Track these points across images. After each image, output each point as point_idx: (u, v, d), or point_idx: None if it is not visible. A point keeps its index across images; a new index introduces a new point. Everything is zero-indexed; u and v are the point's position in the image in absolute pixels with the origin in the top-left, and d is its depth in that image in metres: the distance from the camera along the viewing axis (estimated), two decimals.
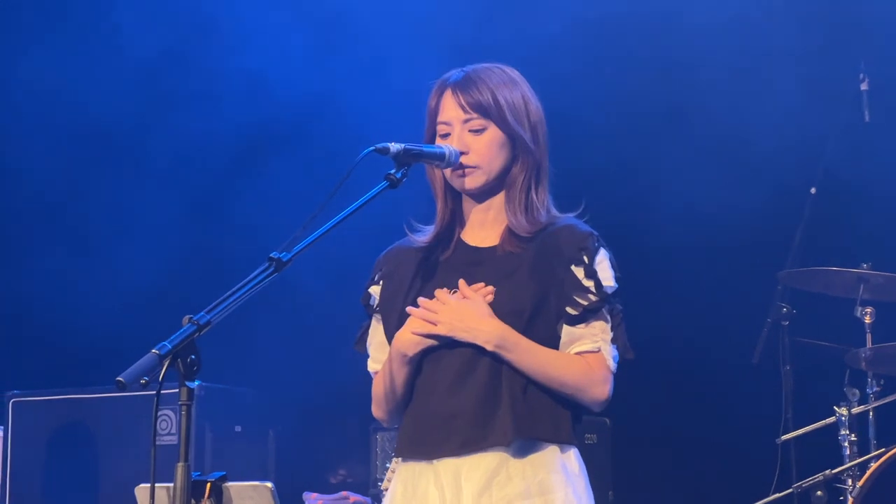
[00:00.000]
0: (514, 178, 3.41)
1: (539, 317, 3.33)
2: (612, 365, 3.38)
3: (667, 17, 6.89)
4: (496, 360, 3.30)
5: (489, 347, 3.28)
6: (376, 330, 3.51)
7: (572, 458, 3.38)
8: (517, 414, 3.28)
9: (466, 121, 3.37)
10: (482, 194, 3.43)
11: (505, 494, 3.28)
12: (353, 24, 7.11)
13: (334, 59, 7.11)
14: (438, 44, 6.69)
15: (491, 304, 3.32)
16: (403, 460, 3.43)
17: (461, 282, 3.34)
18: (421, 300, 3.35)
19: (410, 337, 3.34)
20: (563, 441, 3.35)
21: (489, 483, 3.28)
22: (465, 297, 3.32)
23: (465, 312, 3.30)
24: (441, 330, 3.30)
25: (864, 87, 6.61)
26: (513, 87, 3.41)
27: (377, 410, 3.51)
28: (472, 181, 3.39)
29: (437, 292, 3.34)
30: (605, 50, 6.97)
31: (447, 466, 3.32)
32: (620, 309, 3.41)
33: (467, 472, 3.29)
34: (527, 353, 3.29)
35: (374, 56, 7.12)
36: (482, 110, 3.37)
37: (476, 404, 3.30)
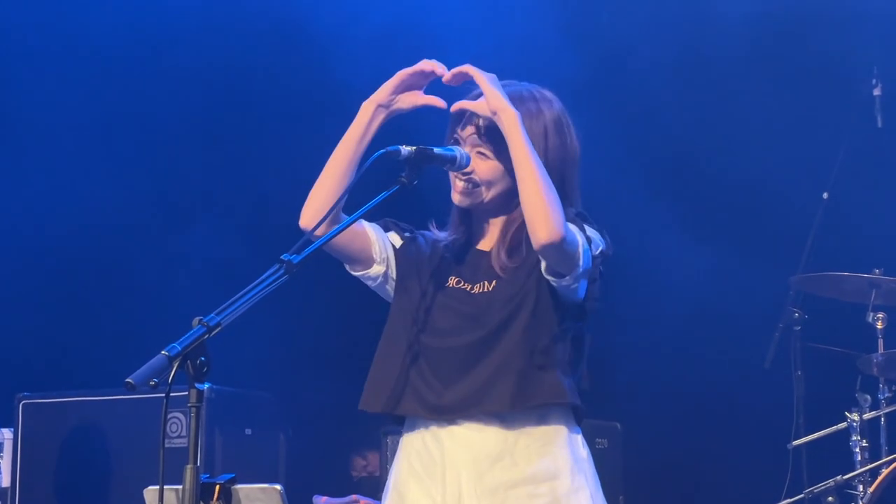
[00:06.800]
0: (515, 218, 3.41)
1: (542, 305, 3.32)
2: (581, 241, 3.28)
3: (677, 21, 6.89)
4: (494, 336, 3.31)
5: (491, 106, 3.26)
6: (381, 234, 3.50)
7: (579, 443, 3.39)
8: (518, 384, 3.28)
9: (478, 144, 3.38)
10: (483, 213, 3.45)
11: (510, 478, 3.29)
12: None
13: None
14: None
15: (493, 291, 3.34)
16: (407, 430, 3.44)
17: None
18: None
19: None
20: (563, 400, 3.32)
21: (492, 467, 3.30)
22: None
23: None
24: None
25: (876, 92, 6.61)
26: (536, 118, 3.37)
27: (311, 206, 3.40)
28: (467, 198, 3.41)
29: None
30: (609, 57, 6.96)
31: (450, 436, 3.34)
32: (601, 256, 3.37)
33: (470, 460, 3.31)
34: (523, 136, 3.24)
35: None
36: (496, 144, 3.35)
37: (477, 371, 3.30)
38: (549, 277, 3.29)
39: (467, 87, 3.41)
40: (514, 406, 3.29)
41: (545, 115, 3.38)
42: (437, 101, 3.41)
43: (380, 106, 3.40)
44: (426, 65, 3.39)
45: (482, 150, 3.37)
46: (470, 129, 3.39)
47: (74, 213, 7.32)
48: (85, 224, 7.30)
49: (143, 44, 7.20)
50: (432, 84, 3.47)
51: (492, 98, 3.28)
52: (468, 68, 3.33)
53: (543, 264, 3.28)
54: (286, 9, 6.93)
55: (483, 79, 3.30)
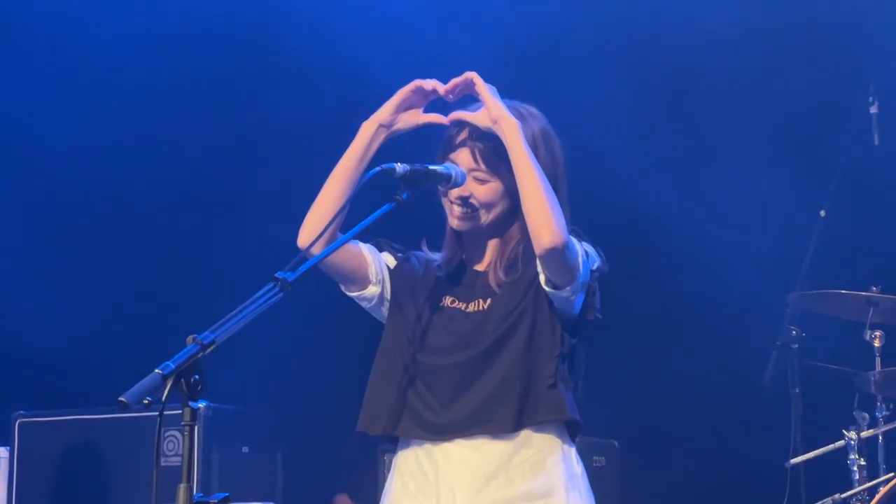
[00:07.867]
0: (511, 237, 3.44)
1: (540, 321, 3.33)
2: (581, 252, 3.32)
3: (674, 32, 6.88)
4: (491, 354, 3.31)
5: (492, 115, 3.29)
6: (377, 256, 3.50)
7: (573, 459, 3.40)
8: (521, 402, 3.28)
9: (474, 168, 3.39)
10: (478, 235, 3.45)
11: (505, 496, 3.29)
12: None
13: None
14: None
15: (488, 310, 3.36)
16: (401, 448, 3.44)
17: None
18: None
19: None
20: (564, 416, 3.33)
21: (487, 484, 3.29)
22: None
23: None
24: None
25: (873, 109, 6.60)
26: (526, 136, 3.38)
27: (308, 224, 3.41)
28: (466, 223, 3.41)
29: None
30: (609, 69, 6.96)
31: (444, 454, 3.33)
32: (597, 271, 3.40)
33: (464, 478, 3.30)
34: (524, 144, 3.27)
35: None
36: (492, 166, 3.37)
37: (475, 389, 3.31)
38: (547, 289, 3.30)
39: (463, 104, 3.41)
40: (518, 427, 3.29)
41: (533, 129, 3.39)
42: (439, 119, 3.42)
43: (381, 125, 3.40)
44: (427, 83, 3.39)
45: (479, 174, 3.38)
46: (465, 154, 3.39)
47: (73, 223, 7.32)
48: (83, 237, 7.30)
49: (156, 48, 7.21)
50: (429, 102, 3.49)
51: (493, 107, 3.30)
52: (472, 75, 3.34)
53: (542, 277, 3.29)
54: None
55: (485, 87, 3.32)
